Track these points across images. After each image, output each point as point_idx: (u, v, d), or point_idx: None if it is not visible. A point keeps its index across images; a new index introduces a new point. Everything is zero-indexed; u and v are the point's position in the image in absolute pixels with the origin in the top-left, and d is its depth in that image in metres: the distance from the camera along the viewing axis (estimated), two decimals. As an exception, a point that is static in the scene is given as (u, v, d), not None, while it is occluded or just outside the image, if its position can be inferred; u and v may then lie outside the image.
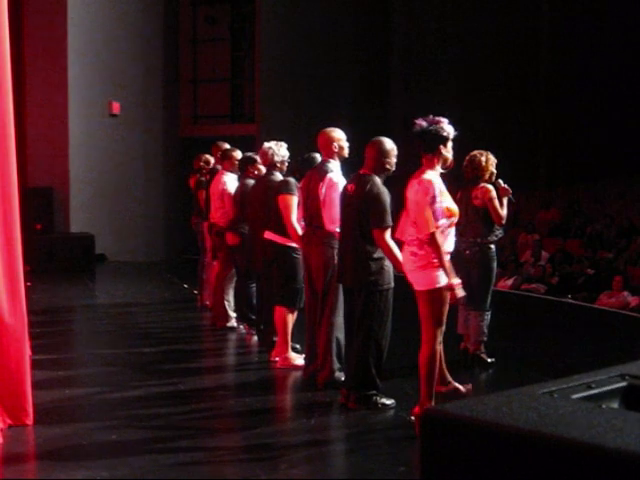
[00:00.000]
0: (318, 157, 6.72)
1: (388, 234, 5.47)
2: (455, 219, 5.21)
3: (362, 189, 5.59)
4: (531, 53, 19.32)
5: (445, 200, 5.13)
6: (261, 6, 16.41)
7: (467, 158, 7.11)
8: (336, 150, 6.27)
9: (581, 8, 18.44)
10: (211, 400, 6.22)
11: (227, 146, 9.19)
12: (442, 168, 5.22)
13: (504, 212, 7.02)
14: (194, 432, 5.33)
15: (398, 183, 5.55)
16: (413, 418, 5.28)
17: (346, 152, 6.33)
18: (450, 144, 5.21)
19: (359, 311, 5.64)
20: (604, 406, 2.05)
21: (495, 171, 7.13)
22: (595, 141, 18.32)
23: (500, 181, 7.14)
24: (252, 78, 16.79)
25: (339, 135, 6.31)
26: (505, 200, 7.08)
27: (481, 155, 7.08)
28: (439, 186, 5.11)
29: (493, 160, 7.10)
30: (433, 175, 5.16)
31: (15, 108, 5.33)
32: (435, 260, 5.06)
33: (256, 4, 16.53)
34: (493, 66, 18.36)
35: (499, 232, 7.15)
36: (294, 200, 6.73)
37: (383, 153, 5.63)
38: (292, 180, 6.92)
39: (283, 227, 6.87)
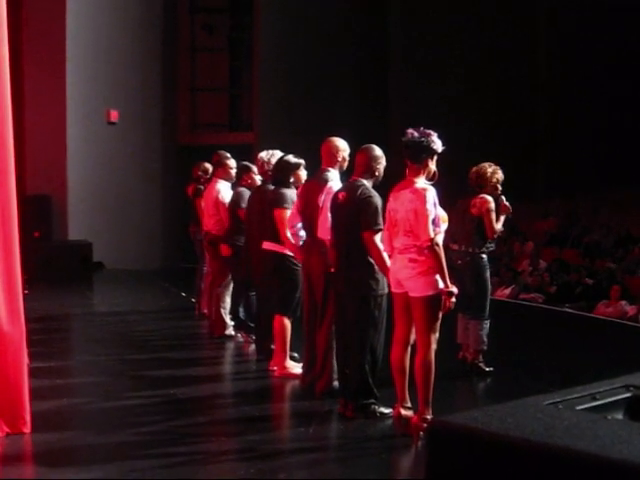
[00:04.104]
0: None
1: (378, 237, 5.47)
2: (445, 225, 5.29)
3: (353, 194, 5.60)
4: (530, 61, 19.36)
5: (438, 208, 5.22)
6: (259, 16, 16.44)
7: (474, 168, 7.14)
8: (339, 160, 6.29)
9: (580, 10, 18.45)
10: (209, 408, 6.21)
11: (227, 155, 9.18)
12: (426, 179, 5.28)
13: (498, 227, 7.04)
14: (192, 439, 5.32)
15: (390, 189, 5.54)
16: (399, 414, 5.32)
17: (346, 164, 6.36)
18: (435, 157, 5.29)
19: (352, 318, 5.62)
20: (609, 417, 2.05)
21: (500, 188, 7.14)
22: (594, 150, 18.32)
23: (503, 198, 7.17)
24: (250, 87, 16.80)
25: (344, 146, 6.35)
26: (502, 217, 7.11)
27: (489, 167, 7.12)
28: (434, 194, 5.18)
29: (500, 175, 7.11)
30: (426, 184, 5.23)
31: (14, 116, 5.32)
32: (435, 265, 5.10)
33: (254, 14, 16.55)
34: (491, 74, 18.38)
35: (491, 246, 7.16)
36: (287, 214, 6.71)
37: (373, 158, 5.69)
38: (286, 192, 6.85)
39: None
